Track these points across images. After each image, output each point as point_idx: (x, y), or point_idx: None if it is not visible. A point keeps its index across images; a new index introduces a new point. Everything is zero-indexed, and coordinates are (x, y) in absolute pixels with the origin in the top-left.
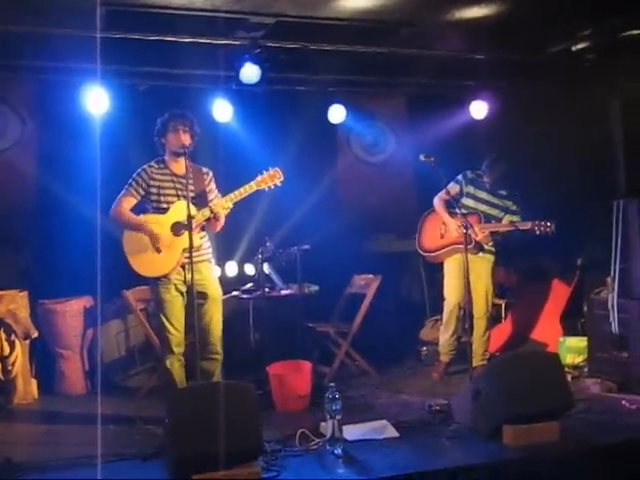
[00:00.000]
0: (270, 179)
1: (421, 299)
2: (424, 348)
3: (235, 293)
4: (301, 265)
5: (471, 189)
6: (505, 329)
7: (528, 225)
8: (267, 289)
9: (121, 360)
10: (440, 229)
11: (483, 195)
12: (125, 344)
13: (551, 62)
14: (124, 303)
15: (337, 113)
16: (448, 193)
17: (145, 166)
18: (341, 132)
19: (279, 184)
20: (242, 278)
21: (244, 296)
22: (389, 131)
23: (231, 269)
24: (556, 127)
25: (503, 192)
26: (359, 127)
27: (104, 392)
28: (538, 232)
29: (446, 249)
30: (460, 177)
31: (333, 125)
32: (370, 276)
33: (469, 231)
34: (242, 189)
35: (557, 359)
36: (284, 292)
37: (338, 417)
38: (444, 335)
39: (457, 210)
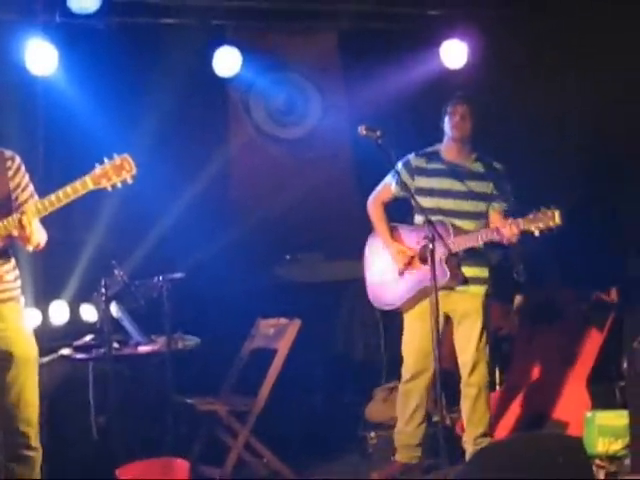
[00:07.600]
0: (115, 172)
1: (370, 355)
2: (372, 434)
3: (65, 351)
4: (171, 305)
5: (423, 181)
6: (499, 401)
7: (519, 224)
8: (116, 344)
9: None
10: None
11: (446, 184)
12: None
13: None
14: None
15: (228, 61)
16: (384, 194)
17: None
18: (235, 91)
19: (130, 180)
20: (76, 327)
21: (79, 355)
22: (312, 89)
23: (59, 313)
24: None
25: (479, 167)
26: (264, 82)
27: None
28: (538, 232)
29: (412, 295)
30: (400, 167)
31: (221, 80)
32: (283, 320)
33: (441, 254)
34: (69, 188)
35: (580, 447)
36: (144, 348)
37: None
38: (401, 420)
39: (420, 218)
